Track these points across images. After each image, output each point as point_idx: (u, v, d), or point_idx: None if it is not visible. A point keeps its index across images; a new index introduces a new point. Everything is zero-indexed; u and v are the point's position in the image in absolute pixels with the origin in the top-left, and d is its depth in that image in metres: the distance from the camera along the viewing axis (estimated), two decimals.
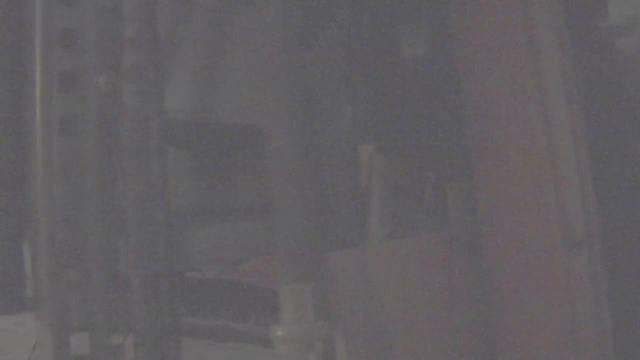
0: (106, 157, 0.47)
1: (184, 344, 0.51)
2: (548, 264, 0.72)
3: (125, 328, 0.49)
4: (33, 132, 0.47)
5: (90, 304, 0.48)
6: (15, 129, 0.49)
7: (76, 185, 0.47)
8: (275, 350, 0.50)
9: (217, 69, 0.56)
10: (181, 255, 0.50)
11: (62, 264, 0.47)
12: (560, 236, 0.71)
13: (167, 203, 0.47)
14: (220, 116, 0.56)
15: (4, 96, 0.49)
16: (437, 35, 0.78)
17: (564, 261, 0.71)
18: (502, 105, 0.72)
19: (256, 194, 0.59)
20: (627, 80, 0.79)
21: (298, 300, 0.50)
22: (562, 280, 0.71)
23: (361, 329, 0.65)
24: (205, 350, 0.59)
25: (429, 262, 0.73)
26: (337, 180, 0.61)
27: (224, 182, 0.59)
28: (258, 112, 0.56)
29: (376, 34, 0.74)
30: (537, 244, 0.72)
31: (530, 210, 0.72)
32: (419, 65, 0.79)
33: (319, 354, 0.50)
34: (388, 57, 0.76)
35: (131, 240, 0.47)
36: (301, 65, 0.57)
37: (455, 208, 0.74)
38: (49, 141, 0.47)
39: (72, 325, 0.48)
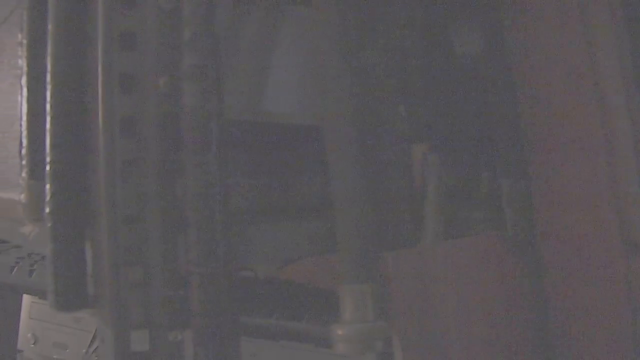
0: (166, 156, 0.48)
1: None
2: (606, 266, 0.70)
3: (183, 326, 0.50)
4: (95, 133, 0.48)
5: (150, 302, 0.49)
6: (77, 130, 0.49)
7: (137, 184, 0.48)
8: (334, 349, 0.50)
9: (275, 69, 0.56)
10: (239, 254, 0.51)
11: (122, 262, 0.48)
12: (619, 237, 0.70)
13: (226, 202, 0.48)
14: (277, 116, 0.56)
15: (66, 98, 0.50)
16: (491, 32, 0.77)
17: (623, 263, 0.70)
18: (559, 105, 0.71)
19: (313, 193, 0.59)
20: None
21: (358, 300, 0.50)
22: (622, 283, 0.70)
23: (416, 329, 0.64)
24: (259, 350, 0.60)
25: (485, 263, 0.72)
26: (390, 180, 0.61)
27: (280, 182, 0.59)
28: (316, 111, 0.56)
29: (430, 31, 0.73)
30: (595, 245, 0.70)
31: (588, 211, 0.71)
32: (473, 63, 0.78)
33: (378, 354, 0.50)
34: (442, 55, 0.75)
35: (191, 239, 0.47)
36: (357, 65, 0.57)
37: (511, 208, 0.73)
38: (110, 141, 0.47)
39: (132, 323, 0.49)
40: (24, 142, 0.54)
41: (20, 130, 0.56)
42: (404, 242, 0.62)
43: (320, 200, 0.61)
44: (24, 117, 0.55)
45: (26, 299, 0.99)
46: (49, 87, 0.50)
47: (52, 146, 0.49)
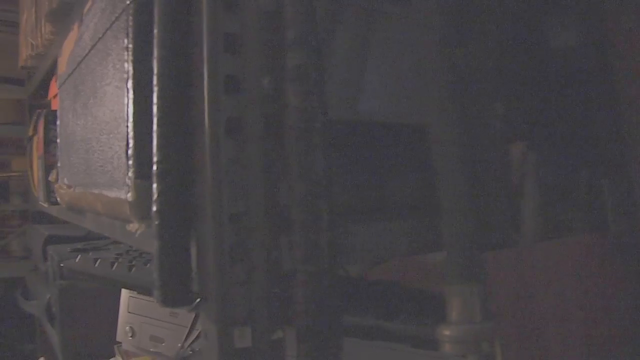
0: (271, 156, 0.49)
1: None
2: None
3: (286, 323, 0.50)
4: (200, 134, 0.49)
5: (254, 299, 0.50)
6: (183, 131, 0.51)
7: (242, 183, 0.48)
8: (440, 349, 0.50)
9: (372, 68, 0.56)
10: (342, 254, 0.51)
11: (227, 260, 0.49)
12: None
13: (331, 201, 0.48)
14: (372, 115, 0.56)
15: (172, 100, 0.51)
16: (590, 23, 0.74)
17: None
18: None
19: (407, 192, 0.59)
20: None
21: (466, 301, 0.49)
22: None
23: (515, 330, 0.63)
24: (352, 349, 0.60)
25: (585, 264, 0.70)
26: (488, 179, 0.60)
27: (375, 181, 0.59)
28: (417, 111, 0.56)
29: (525, 25, 0.72)
30: None
31: None
32: (571, 58, 0.75)
33: (485, 355, 0.49)
34: (538, 50, 0.73)
35: (296, 237, 0.48)
36: (454, 62, 0.56)
37: (612, 207, 0.70)
38: (215, 141, 0.48)
39: (236, 319, 0.50)
40: (131, 142, 0.56)
41: (127, 131, 0.57)
42: (502, 243, 0.61)
43: (415, 199, 0.61)
44: (131, 119, 0.56)
45: (124, 293, 1.03)
46: (155, 89, 0.52)
47: (159, 147, 0.51)
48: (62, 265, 1.04)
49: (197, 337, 0.84)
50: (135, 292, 1.00)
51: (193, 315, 0.86)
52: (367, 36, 0.56)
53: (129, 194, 0.55)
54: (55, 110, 1.08)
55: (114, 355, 1.19)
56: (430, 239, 0.59)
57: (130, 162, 0.56)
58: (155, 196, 0.51)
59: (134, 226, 0.56)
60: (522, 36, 0.68)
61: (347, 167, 0.56)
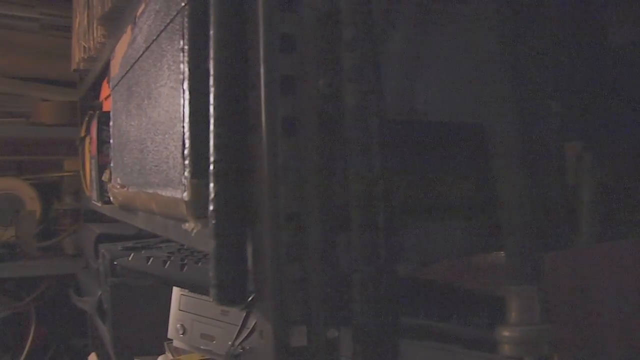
0: (327, 156, 0.49)
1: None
2: None
3: (341, 323, 0.50)
4: (257, 134, 0.50)
5: (310, 299, 0.50)
6: (239, 131, 0.51)
7: (298, 183, 0.48)
8: (499, 351, 0.49)
9: (430, 67, 0.55)
10: (397, 254, 0.50)
11: (284, 259, 0.49)
12: None
13: (388, 201, 0.48)
14: (432, 114, 0.55)
15: (229, 100, 0.51)
16: None
17: None
18: None
19: (461, 192, 0.58)
20: None
21: (526, 302, 0.49)
22: None
23: (572, 332, 0.62)
24: (404, 349, 0.59)
25: None
26: (544, 178, 0.59)
27: (427, 181, 0.59)
28: (474, 109, 0.55)
29: (584, 21, 0.70)
30: None
31: None
32: (630, 54, 0.74)
33: (543, 358, 0.48)
34: (596, 45, 0.71)
35: (354, 237, 0.48)
36: (512, 60, 0.55)
37: None
38: (272, 141, 0.48)
39: (292, 318, 0.50)
40: (187, 143, 0.57)
41: (183, 131, 0.58)
42: (559, 243, 0.59)
43: (470, 199, 0.60)
44: (187, 119, 0.57)
45: (176, 291, 1.04)
46: (211, 90, 0.52)
47: (216, 147, 0.51)
48: (115, 263, 1.06)
49: (248, 335, 0.85)
50: (186, 290, 1.01)
51: (244, 314, 0.86)
52: (424, 34, 0.55)
53: (185, 194, 0.56)
54: (108, 112, 1.10)
55: (163, 352, 1.21)
56: (486, 239, 0.59)
57: (187, 161, 0.56)
58: (212, 196, 0.51)
59: (189, 225, 0.57)
60: (581, 32, 0.66)
61: (402, 166, 0.55)
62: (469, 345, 0.69)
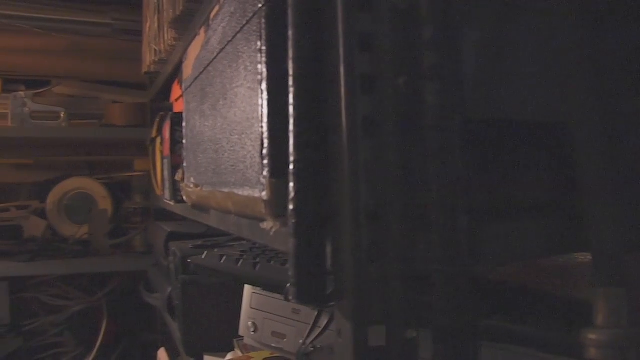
0: (407, 155, 0.48)
1: None
2: None
3: (420, 323, 0.50)
4: (337, 133, 0.50)
5: (389, 299, 0.50)
6: (319, 130, 0.51)
7: (378, 182, 0.48)
8: (585, 354, 0.48)
9: (510, 65, 0.54)
10: (476, 254, 0.50)
11: (364, 258, 0.49)
12: None
13: (469, 201, 0.47)
14: (512, 113, 0.54)
15: (308, 100, 0.52)
16: None
17: None
18: None
19: (548, 191, 0.57)
20: None
21: (613, 304, 0.47)
22: None
23: None
24: (484, 352, 0.58)
25: None
26: (627, 178, 0.57)
27: (505, 180, 0.58)
28: (555, 107, 0.54)
29: None
30: None
31: None
32: None
33: None
34: None
35: (434, 237, 0.47)
36: (595, 56, 0.54)
37: None
38: (352, 140, 0.49)
39: (371, 318, 0.50)
40: (266, 142, 0.57)
41: (261, 131, 0.59)
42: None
43: (551, 198, 0.59)
44: (265, 119, 0.58)
45: (247, 289, 1.06)
46: (291, 90, 0.53)
47: (296, 146, 0.52)
48: (189, 261, 1.08)
49: (320, 334, 0.85)
50: (258, 289, 1.02)
51: (315, 313, 0.87)
52: (503, 31, 0.54)
53: (264, 193, 0.57)
54: (180, 113, 1.12)
55: (232, 349, 1.23)
56: (565, 240, 0.57)
57: (265, 161, 0.57)
58: (292, 195, 0.52)
59: (268, 224, 0.57)
60: None
61: (481, 165, 0.55)
62: (543, 348, 0.68)
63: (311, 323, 0.87)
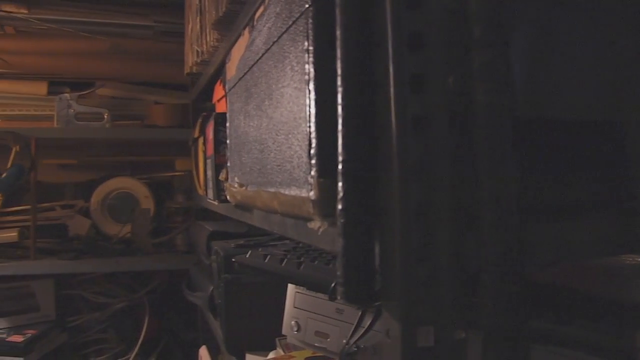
0: (457, 154, 0.48)
1: None
2: None
3: (469, 324, 0.50)
4: (386, 132, 0.50)
5: (438, 299, 0.49)
6: (368, 130, 0.51)
7: (428, 182, 0.48)
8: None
9: (561, 63, 0.54)
10: (530, 255, 0.49)
11: (413, 259, 0.49)
12: None
13: (520, 201, 0.47)
14: (563, 111, 0.54)
15: (357, 100, 0.52)
16: None
17: None
18: None
19: (601, 191, 0.56)
20: None
21: None
22: None
23: None
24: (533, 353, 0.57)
25: None
26: None
27: (556, 180, 0.57)
28: (607, 106, 0.53)
29: None
30: None
31: None
32: None
33: None
34: None
35: (484, 237, 0.47)
36: None
37: None
38: (402, 140, 0.48)
39: (419, 318, 0.50)
40: (313, 142, 0.58)
41: (308, 131, 0.59)
42: None
43: (604, 198, 0.58)
44: (313, 119, 0.58)
45: (291, 288, 1.06)
46: (339, 90, 0.53)
47: (344, 146, 0.52)
48: (233, 260, 1.09)
49: (363, 334, 0.85)
50: (301, 288, 1.03)
51: (359, 313, 0.87)
52: (554, 30, 0.53)
53: (312, 192, 0.57)
54: (224, 113, 1.13)
55: (274, 348, 1.24)
56: (618, 241, 0.56)
57: (313, 161, 0.57)
58: (340, 195, 0.52)
59: (315, 224, 0.58)
60: None
61: (532, 164, 0.54)
62: (593, 352, 0.67)
63: (355, 323, 0.86)
